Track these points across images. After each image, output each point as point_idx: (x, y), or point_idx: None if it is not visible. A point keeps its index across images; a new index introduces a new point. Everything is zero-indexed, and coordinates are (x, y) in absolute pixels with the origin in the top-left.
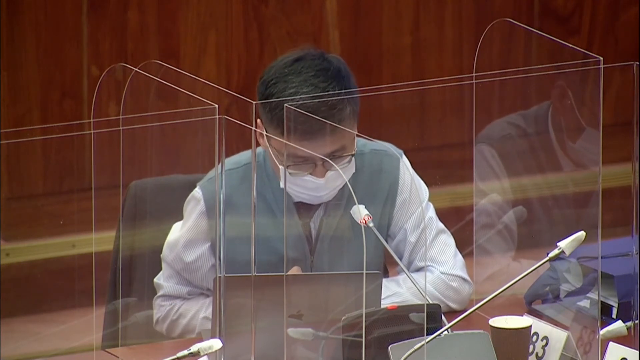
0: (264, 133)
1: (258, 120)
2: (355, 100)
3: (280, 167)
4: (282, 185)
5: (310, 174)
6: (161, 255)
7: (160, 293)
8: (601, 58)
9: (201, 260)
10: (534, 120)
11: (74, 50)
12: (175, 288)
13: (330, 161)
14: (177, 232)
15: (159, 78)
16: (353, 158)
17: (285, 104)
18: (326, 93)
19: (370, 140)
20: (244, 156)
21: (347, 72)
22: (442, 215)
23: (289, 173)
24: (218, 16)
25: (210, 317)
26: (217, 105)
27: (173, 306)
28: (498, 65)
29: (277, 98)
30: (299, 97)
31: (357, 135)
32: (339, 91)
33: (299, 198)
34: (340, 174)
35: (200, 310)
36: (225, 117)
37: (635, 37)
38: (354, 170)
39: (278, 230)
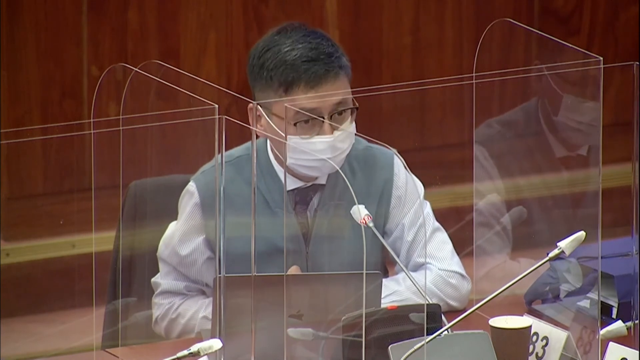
0: (260, 117)
1: (250, 106)
2: (347, 64)
3: (288, 137)
4: (287, 158)
5: (318, 134)
6: (157, 254)
7: (158, 291)
8: (601, 58)
9: (196, 254)
10: (523, 115)
11: (74, 50)
12: (173, 284)
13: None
14: (172, 228)
15: (159, 78)
16: (354, 122)
17: (286, 104)
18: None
19: (365, 138)
20: (237, 149)
21: (333, 41)
22: (442, 215)
23: (300, 138)
24: (218, 16)
25: (210, 316)
26: (217, 105)
27: (172, 304)
28: (498, 65)
29: (275, 57)
30: (296, 53)
31: (354, 134)
32: (332, 45)
33: (306, 170)
34: (344, 137)
35: (199, 310)
36: (225, 117)
37: (635, 37)
38: (353, 140)
39: (272, 221)
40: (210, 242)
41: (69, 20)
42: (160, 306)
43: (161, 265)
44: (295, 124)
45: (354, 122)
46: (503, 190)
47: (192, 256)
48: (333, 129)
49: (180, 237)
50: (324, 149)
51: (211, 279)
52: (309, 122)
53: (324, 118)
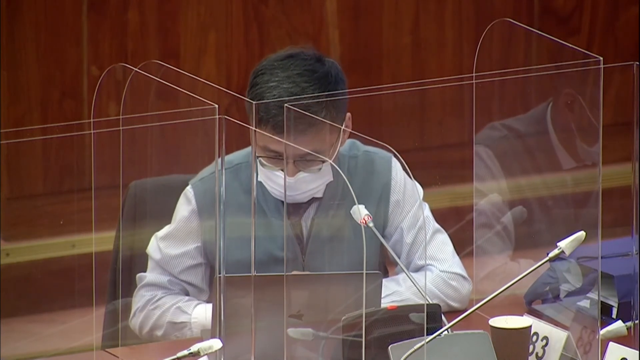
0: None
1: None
2: (337, 107)
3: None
4: (259, 178)
5: (282, 169)
6: (146, 250)
7: (141, 284)
8: (601, 58)
9: (185, 257)
10: (530, 122)
11: (74, 50)
12: (157, 277)
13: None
14: (166, 228)
15: (159, 78)
16: (329, 165)
17: (285, 104)
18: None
19: (365, 137)
20: (237, 155)
21: (336, 78)
22: (441, 215)
23: (262, 165)
24: (218, 16)
25: (175, 322)
26: (217, 105)
27: (154, 297)
28: (498, 65)
29: (260, 88)
30: (276, 91)
31: (352, 133)
32: (319, 94)
33: (274, 194)
34: (316, 178)
35: (175, 304)
36: (225, 117)
37: (635, 37)
38: (330, 178)
39: (268, 229)
40: (206, 249)
41: (69, 20)
42: (141, 298)
43: (149, 262)
44: (257, 157)
45: (328, 169)
46: (507, 191)
47: (181, 258)
48: (298, 170)
49: (172, 239)
50: (283, 185)
51: (198, 281)
52: (274, 158)
53: (288, 158)
